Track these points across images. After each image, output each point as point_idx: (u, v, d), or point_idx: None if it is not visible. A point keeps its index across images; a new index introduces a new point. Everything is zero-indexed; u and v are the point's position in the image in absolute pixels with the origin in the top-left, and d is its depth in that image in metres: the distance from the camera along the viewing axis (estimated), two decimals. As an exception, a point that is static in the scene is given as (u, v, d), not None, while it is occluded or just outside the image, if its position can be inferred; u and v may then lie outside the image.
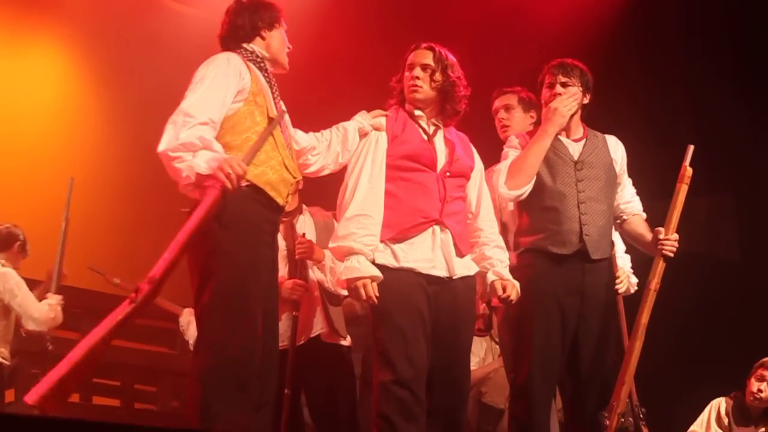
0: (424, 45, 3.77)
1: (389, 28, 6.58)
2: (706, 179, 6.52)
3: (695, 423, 5.11)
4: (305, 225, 4.49)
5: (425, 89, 3.69)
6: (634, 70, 6.80)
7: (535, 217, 3.92)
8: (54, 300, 5.21)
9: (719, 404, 5.12)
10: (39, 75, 7.56)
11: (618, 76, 6.68)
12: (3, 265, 5.37)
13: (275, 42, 3.56)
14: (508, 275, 3.68)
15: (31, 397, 2.77)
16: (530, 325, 3.81)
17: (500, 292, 3.62)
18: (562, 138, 3.98)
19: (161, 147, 3.16)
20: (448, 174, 3.65)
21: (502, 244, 3.77)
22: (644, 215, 4.07)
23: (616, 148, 4.07)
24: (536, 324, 3.80)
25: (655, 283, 3.74)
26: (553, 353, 3.79)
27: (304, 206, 4.59)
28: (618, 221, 4.05)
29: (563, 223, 3.84)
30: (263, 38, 3.53)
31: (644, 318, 3.70)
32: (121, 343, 6.03)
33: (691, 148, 3.85)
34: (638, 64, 6.78)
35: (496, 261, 3.68)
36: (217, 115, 3.25)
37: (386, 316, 3.46)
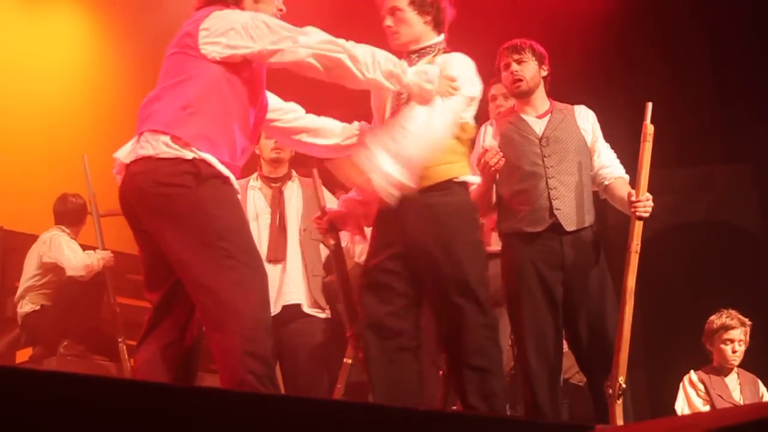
0: None
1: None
2: (725, 149, 6.53)
3: (676, 403, 4.98)
4: (293, 193, 4.45)
5: None
6: (656, 37, 6.77)
7: (508, 202, 3.94)
8: (101, 254, 5.54)
9: (689, 378, 4.99)
10: (59, 34, 7.53)
11: (640, 45, 6.66)
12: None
13: None
14: None
15: None
16: (518, 307, 3.86)
17: None
18: (527, 117, 3.99)
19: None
20: None
21: None
22: (627, 177, 3.99)
23: (585, 118, 4.03)
24: (523, 306, 3.84)
25: (635, 245, 3.62)
26: (545, 331, 3.81)
27: (294, 172, 4.51)
28: (601, 187, 4.00)
29: (534, 203, 3.85)
30: None
31: (630, 282, 3.58)
32: (133, 302, 6.11)
33: (650, 105, 3.72)
34: (659, 35, 6.75)
35: None
36: None
37: None
